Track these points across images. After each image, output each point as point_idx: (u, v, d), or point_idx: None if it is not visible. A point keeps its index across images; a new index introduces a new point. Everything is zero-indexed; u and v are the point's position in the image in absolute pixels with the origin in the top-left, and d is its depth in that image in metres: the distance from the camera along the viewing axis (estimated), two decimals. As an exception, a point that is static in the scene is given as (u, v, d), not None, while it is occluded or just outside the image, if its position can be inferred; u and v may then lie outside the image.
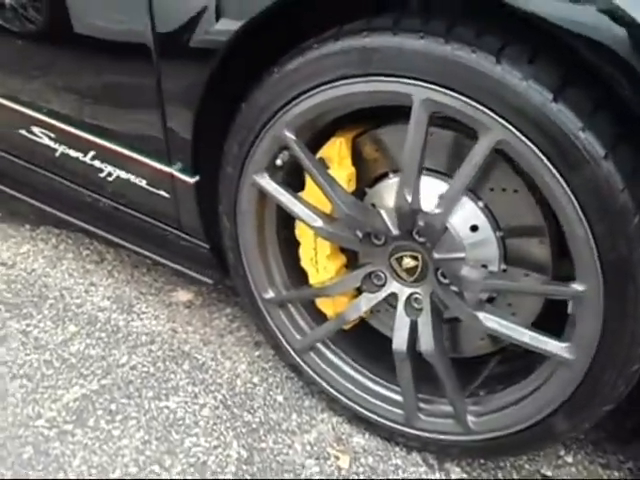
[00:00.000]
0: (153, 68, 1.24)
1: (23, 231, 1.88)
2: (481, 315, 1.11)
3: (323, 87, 1.07)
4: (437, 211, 1.07)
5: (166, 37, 1.19)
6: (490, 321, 1.12)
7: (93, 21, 1.29)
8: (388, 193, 1.23)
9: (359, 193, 1.25)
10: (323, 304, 1.34)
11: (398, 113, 1.15)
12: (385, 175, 1.23)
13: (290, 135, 1.14)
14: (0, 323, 1.57)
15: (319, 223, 1.19)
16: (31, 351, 1.50)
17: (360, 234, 1.19)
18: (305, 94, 1.09)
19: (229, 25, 1.11)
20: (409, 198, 1.08)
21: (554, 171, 0.96)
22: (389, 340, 1.32)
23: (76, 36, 1.35)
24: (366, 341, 1.37)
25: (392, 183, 1.22)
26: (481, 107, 0.96)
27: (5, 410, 1.36)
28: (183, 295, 1.71)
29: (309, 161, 1.16)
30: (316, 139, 1.21)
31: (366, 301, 1.25)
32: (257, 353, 1.55)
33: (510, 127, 0.95)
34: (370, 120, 1.22)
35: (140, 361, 1.50)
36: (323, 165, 1.19)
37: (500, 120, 0.96)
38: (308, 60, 1.08)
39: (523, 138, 0.95)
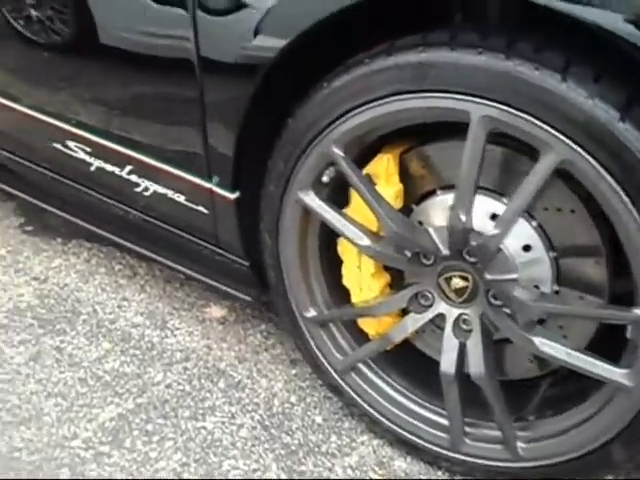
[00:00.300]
0: (196, 83, 1.22)
1: (55, 245, 1.86)
2: (537, 340, 1.07)
3: (374, 103, 1.04)
4: (493, 232, 1.04)
5: (210, 52, 1.17)
6: (546, 346, 1.08)
7: (134, 34, 1.28)
8: (436, 211, 1.19)
9: (405, 210, 1.22)
10: (365, 323, 1.31)
11: (446, 129, 1.13)
12: (432, 192, 1.20)
13: (338, 152, 1.11)
14: (34, 339, 1.55)
15: (366, 241, 1.15)
16: (65, 369, 1.48)
17: (408, 253, 1.15)
18: (355, 110, 1.06)
19: (275, 42, 1.08)
20: (463, 218, 1.04)
21: (619, 190, 0.93)
22: (433, 361, 1.29)
23: (116, 50, 1.34)
24: (409, 362, 1.33)
25: (440, 201, 1.18)
26: (544, 125, 0.92)
27: (40, 430, 1.34)
28: (216, 311, 1.68)
29: (357, 178, 1.13)
30: (362, 155, 1.18)
31: (413, 322, 1.21)
32: (293, 371, 1.52)
33: (574, 146, 0.92)
34: (415, 135, 1.19)
35: (175, 379, 1.48)
36: (370, 182, 1.16)
37: (564, 139, 0.92)
38: (359, 76, 1.05)
39: (588, 157, 0.92)
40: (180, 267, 1.57)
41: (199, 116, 1.26)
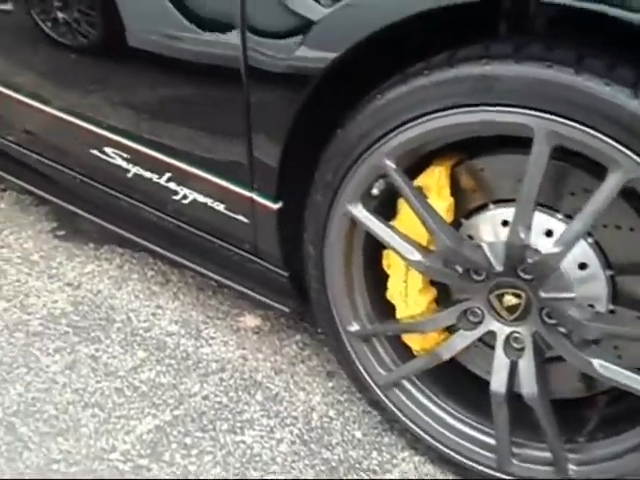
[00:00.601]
0: (242, 91, 1.20)
1: (87, 250, 1.85)
2: (595, 362, 1.04)
3: (431, 116, 1.01)
4: (553, 250, 1.00)
5: (258, 61, 1.14)
6: (603, 367, 1.05)
7: (179, 40, 1.25)
8: (487, 225, 1.16)
9: (454, 224, 1.19)
10: (410, 338, 1.28)
11: (498, 141, 1.10)
12: (483, 206, 1.17)
13: (391, 164, 1.08)
14: (69, 347, 1.54)
15: (417, 256, 1.13)
16: (102, 378, 1.46)
17: (459, 269, 1.12)
18: (411, 123, 1.03)
19: (326, 53, 1.06)
20: (522, 235, 1.01)
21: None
22: (479, 378, 1.27)
23: (157, 55, 1.31)
24: (453, 378, 1.30)
25: (492, 215, 1.15)
26: (613, 142, 0.89)
27: (78, 442, 1.32)
28: (251, 320, 1.66)
29: (410, 191, 1.10)
30: (413, 166, 1.16)
31: (462, 339, 1.18)
32: (330, 384, 1.49)
33: (645, 164, 0.89)
34: (466, 147, 1.16)
35: (212, 390, 1.45)
36: (422, 195, 1.13)
37: (633, 157, 0.89)
38: (416, 87, 1.02)
39: (658, 176, 0.89)
40: (215, 275, 1.55)
41: (244, 125, 1.23)
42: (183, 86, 1.34)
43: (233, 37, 1.16)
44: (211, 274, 1.55)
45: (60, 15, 1.55)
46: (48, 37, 1.56)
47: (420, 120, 1.03)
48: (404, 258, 1.14)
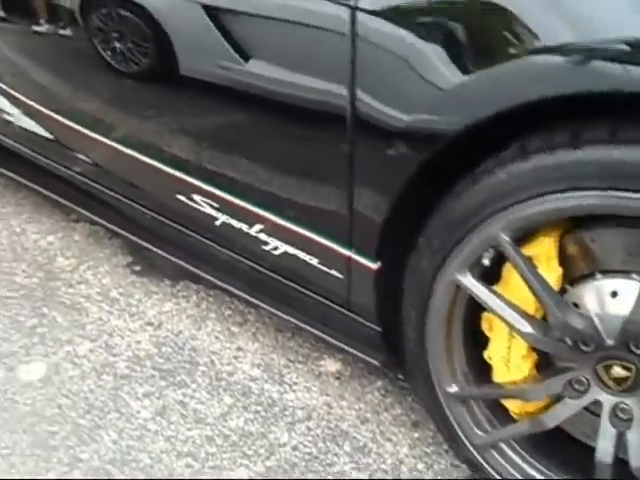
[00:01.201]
0: (347, 145, 1.18)
1: (164, 286, 1.87)
2: None
3: (552, 196, 1.01)
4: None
5: (369, 116, 1.13)
6: None
7: (274, 83, 1.24)
8: (592, 294, 1.15)
9: (560, 291, 1.19)
10: (509, 401, 1.28)
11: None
12: (590, 275, 1.17)
13: (505, 237, 1.08)
14: (157, 392, 1.56)
15: (528, 329, 1.12)
16: (192, 425, 1.49)
17: (569, 341, 1.12)
18: (530, 201, 1.03)
19: (449, 122, 1.05)
20: (645, 315, 1.01)
21: None
22: (581, 444, 1.26)
23: (254, 102, 1.31)
24: (552, 440, 1.30)
25: (599, 285, 1.14)
26: None
27: (176, 494, 1.35)
28: (331, 364, 1.67)
29: (522, 262, 1.10)
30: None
31: (566, 408, 1.18)
32: (416, 435, 1.50)
33: None
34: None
35: (301, 440, 1.47)
36: (533, 265, 1.13)
37: None
38: (537, 166, 1.01)
39: None
40: (299, 322, 1.56)
41: (346, 181, 1.23)
42: (279, 135, 1.33)
43: (340, 76, 1.14)
44: (294, 320, 1.56)
45: (119, 45, 1.57)
46: (110, 66, 1.57)
47: (540, 199, 1.03)
48: (514, 329, 1.14)
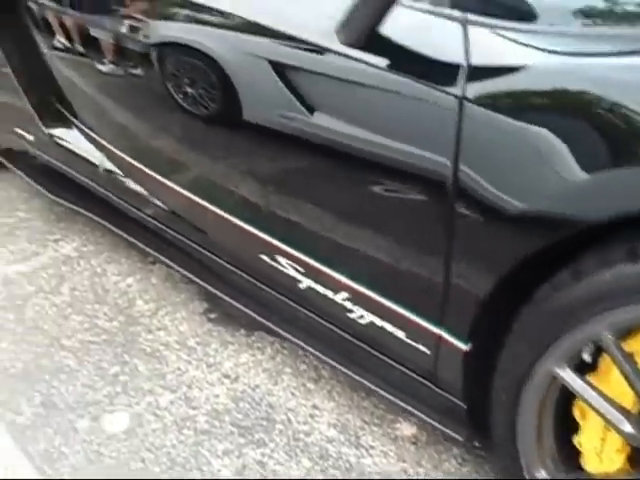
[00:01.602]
0: (447, 218, 1.17)
1: (239, 336, 1.90)
2: None
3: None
4: None
5: (474, 187, 1.12)
6: None
7: (369, 139, 1.24)
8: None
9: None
10: (599, 490, 1.26)
11: None
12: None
13: (609, 335, 1.08)
14: (236, 450, 1.58)
15: (628, 428, 1.11)
16: (272, 488, 1.51)
17: (669, 439, 1.11)
18: (638, 304, 1.03)
19: (565, 221, 1.05)
20: None
21: None
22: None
23: (346, 166, 1.33)
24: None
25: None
26: None
27: None
28: (407, 428, 1.66)
29: (623, 359, 1.08)
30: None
31: (662, 505, 1.16)
32: (495, 509, 1.49)
33: None
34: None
35: (379, 509, 1.48)
36: (634, 362, 1.11)
37: None
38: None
39: None
40: (378, 389, 1.55)
41: (443, 254, 1.22)
42: (371, 201, 1.32)
43: (444, 144, 1.13)
44: (374, 386, 1.56)
45: (190, 90, 1.61)
46: (182, 108, 1.63)
47: (648, 303, 1.02)
48: (614, 426, 1.13)
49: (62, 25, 2.01)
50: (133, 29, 1.73)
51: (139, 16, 1.71)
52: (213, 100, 1.55)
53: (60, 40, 2.05)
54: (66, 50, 2.05)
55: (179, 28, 1.61)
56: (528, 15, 1.15)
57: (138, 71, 1.82)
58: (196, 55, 1.52)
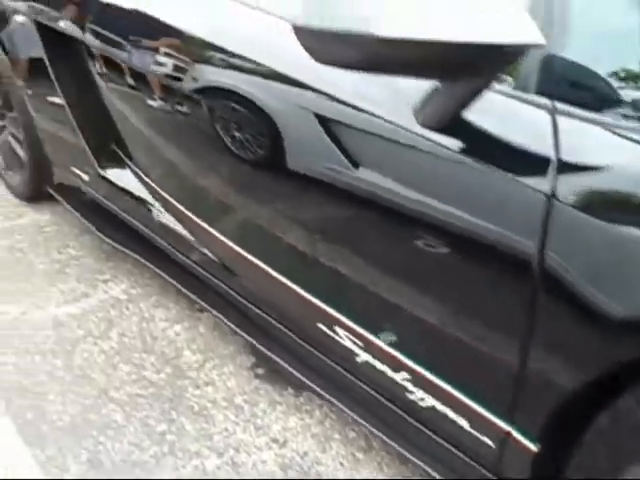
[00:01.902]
0: (528, 307, 1.11)
1: (287, 396, 1.86)
2: None
3: None
4: None
5: (563, 272, 1.06)
6: None
7: (450, 211, 1.20)
8: None
9: None
10: None
11: None
12: None
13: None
14: (284, 524, 1.55)
15: None
16: None
17: None
18: None
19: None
20: None
21: None
22: None
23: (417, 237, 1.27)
24: None
25: None
26: None
27: None
28: (459, 510, 1.61)
29: None
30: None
31: None
32: None
33: None
34: None
35: None
36: None
37: None
38: None
39: None
40: (438, 474, 1.49)
41: (518, 351, 1.16)
42: (438, 283, 1.29)
43: (531, 226, 1.08)
44: (426, 466, 1.50)
45: (238, 135, 1.59)
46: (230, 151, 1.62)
47: None
48: None
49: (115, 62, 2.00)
50: (182, 70, 1.72)
51: (188, 59, 1.70)
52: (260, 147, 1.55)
53: (114, 74, 2.04)
54: (121, 84, 2.04)
55: (229, 75, 1.60)
56: (616, 104, 1.10)
57: (185, 110, 1.81)
58: (243, 103, 1.53)
